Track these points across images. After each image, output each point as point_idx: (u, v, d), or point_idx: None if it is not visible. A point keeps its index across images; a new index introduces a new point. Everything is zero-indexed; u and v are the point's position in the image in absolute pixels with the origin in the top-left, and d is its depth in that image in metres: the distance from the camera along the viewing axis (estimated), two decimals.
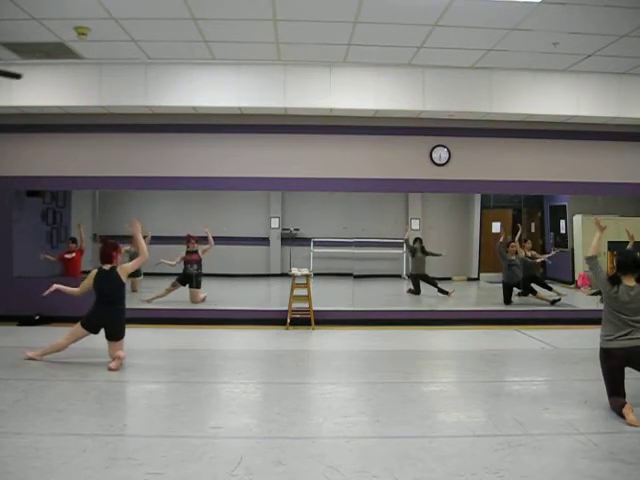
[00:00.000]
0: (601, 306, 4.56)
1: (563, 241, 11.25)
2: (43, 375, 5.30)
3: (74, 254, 8.88)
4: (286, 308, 8.03)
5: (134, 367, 5.64)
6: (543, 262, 10.80)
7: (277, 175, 8.29)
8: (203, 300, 9.27)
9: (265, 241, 11.57)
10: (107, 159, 8.20)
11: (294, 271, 8.25)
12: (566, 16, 5.68)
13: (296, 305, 8.04)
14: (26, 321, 7.87)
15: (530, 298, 9.59)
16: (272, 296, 10.75)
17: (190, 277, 9.26)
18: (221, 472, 3.29)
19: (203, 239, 9.37)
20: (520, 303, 9.54)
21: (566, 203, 11.07)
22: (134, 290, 9.34)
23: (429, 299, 9.90)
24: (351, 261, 10.15)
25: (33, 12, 5.71)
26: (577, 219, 10.72)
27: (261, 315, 8.29)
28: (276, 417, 4.26)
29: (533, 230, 11.92)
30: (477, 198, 11.42)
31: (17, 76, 5.93)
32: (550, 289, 9.74)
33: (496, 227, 11.30)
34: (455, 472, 3.31)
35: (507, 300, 9.46)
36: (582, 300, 9.84)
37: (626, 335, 4.27)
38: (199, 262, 9.34)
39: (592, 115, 7.86)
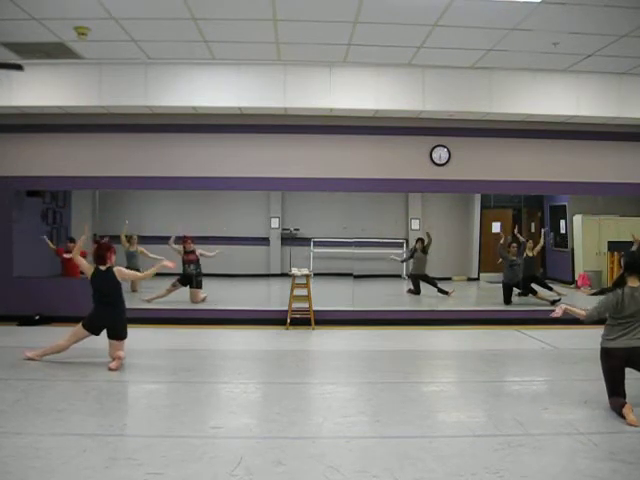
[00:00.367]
0: None
1: (563, 241, 11.25)
2: (43, 375, 5.30)
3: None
4: (286, 308, 8.03)
5: (134, 367, 5.65)
6: (543, 262, 10.79)
7: (277, 175, 8.29)
8: (203, 300, 9.27)
9: (265, 241, 11.57)
10: (107, 159, 8.20)
11: (294, 271, 8.25)
12: (566, 16, 5.67)
13: (296, 305, 8.04)
14: (26, 321, 7.87)
15: (530, 298, 9.58)
16: (272, 296, 10.74)
17: (190, 277, 9.26)
18: (221, 472, 3.29)
19: (202, 239, 9.36)
20: (520, 303, 9.54)
21: (566, 203, 11.06)
22: (134, 290, 9.33)
23: (429, 299, 9.90)
24: (351, 261, 10.14)
25: (33, 12, 5.71)
26: (577, 219, 10.71)
27: (261, 315, 8.29)
28: (276, 417, 4.26)
29: (533, 230, 11.92)
30: (477, 198, 11.42)
31: (19, 67, 5.93)
32: (550, 289, 9.74)
33: (496, 227, 11.29)
34: (455, 472, 3.31)
35: (507, 300, 9.46)
36: (582, 300, 9.82)
37: (627, 335, 4.28)
38: (197, 262, 9.34)
39: (592, 115, 7.86)
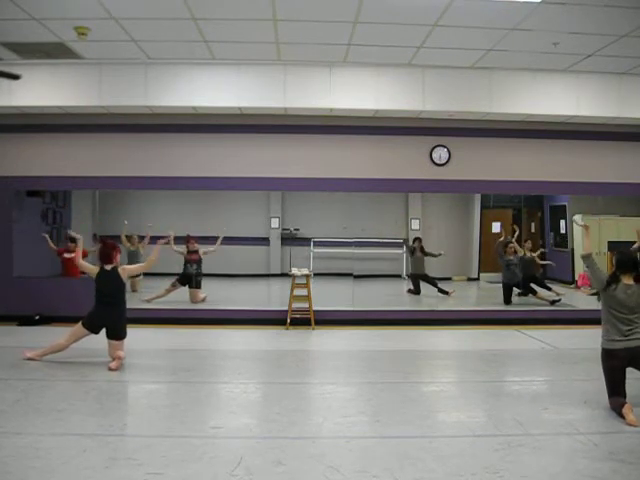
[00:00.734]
0: (601, 306, 4.56)
1: (563, 241, 11.25)
2: (43, 375, 5.30)
3: (73, 254, 8.86)
4: (286, 308, 8.03)
5: (134, 367, 5.65)
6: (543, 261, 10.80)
7: (277, 175, 8.29)
8: (203, 300, 9.27)
9: (265, 241, 11.57)
10: (107, 159, 8.20)
11: (294, 271, 8.25)
12: (566, 16, 5.68)
13: (296, 305, 8.04)
14: (26, 321, 7.87)
15: (530, 298, 9.59)
16: (272, 296, 10.74)
17: (190, 277, 9.27)
18: (221, 472, 3.29)
19: (203, 239, 9.37)
20: (520, 303, 9.54)
21: (566, 203, 11.06)
22: (134, 290, 9.34)
23: (429, 299, 9.90)
24: (351, 261, 10.14)
25: (33, 12, 5.71)
26: (577, 219, 10.70)
27: (261, 315, 8.29)
28: (276, 417, 4.26)
29: (533, 230, 11.92)
30: (477, 198, 11.42)
31: (16, 77, 5.93)
32: (549, 289, 9.74)
33: (496, 227, 11.29)
34: (455, 472, 3.31)
35: (507, 300, 9.46)
36: (582, 300, 9.84)
37: (628, 335, 4.28)
38: (199, 262, 9.35)
39: (592, 115, 7.86)
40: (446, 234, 11.24)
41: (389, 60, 7.30)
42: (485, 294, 11.10)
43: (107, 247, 5.92)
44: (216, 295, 9.45)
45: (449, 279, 11.31)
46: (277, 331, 7.78)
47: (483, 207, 11.56)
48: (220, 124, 8.19)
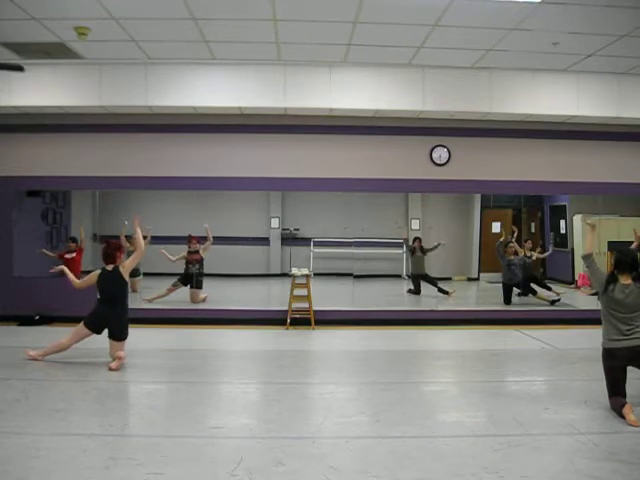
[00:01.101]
0: (600, 306, 4.57)
1: (563, 241, 11.26)
2: (43, 375, 5.31)
3: (74, 254, 8.89)
4: (286, 308, 8.03)
5: (134, 367, 5.65)
6: (543, 262, 10.79)
7: (277, 175, 8.29)
8: (203, 300, 9.28)
9: (265, 241, 11.58)
10: (107, 159, 8.20)
11: (294, 271, 8.25)
12: (566, 16, 5.67)
13: (296, 305, 8.04)
14: (26, 321, 7.87)
15: (530, 298, 9.60)
16: (272, 296, 10.74)
17: (191, 277, 9.27)
18: (221, 472, 3.29)
19: (204, 239, 9.38)
20: (520, 303, 9.55)
21: (566, 203, 11.07)
22: (134, 290, 9.32)
23: (429, 299, 9.90)
24: (351, 261, 10.15)
25: (33, 12, 5.71)
26: (577, 219, 10.72)
27: (261, 315, 8.29)
28: (276, 417, 4.26)
29: (533, 230, 11.93)
30: (477, 198, 11.43)
31: (20, 68, 5.92)
32: (550, 289, 9.75)
33: (496, 227, 11.30)
34: (455, 472, 3.31)
35: (507, 300, 9.47)
36: (582, 300, 9.85)
37: (628, 335, 4.28)
38: (201, 262, 9.35)
39: (592, 115, 7.86)
40: (446, 234, 11.24)
41: (389, 60, 7.30)
42: (485, 294, 11.11)
43: (110, 247, 5.92)
44: (216, 295, 9.45)
45: (449, 279, 11.32)
46: (277, 331, 7.78)
47: (483, 207, 11.57)
48: (220, 124, 8.19)
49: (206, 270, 9.47)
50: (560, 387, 5.17)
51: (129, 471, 3.27)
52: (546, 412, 4.38)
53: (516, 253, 9.72)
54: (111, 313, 5.68)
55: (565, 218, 11.16)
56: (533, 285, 9.71)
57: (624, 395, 4.25)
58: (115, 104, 7.60)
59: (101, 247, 6.05)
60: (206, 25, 6.12)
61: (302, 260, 10.61)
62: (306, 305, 7.98)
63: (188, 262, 9.32)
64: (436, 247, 10.20)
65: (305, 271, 8.23)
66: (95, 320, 5.69)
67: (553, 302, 9.28)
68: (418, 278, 10.25)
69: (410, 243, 10.39)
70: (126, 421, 4.26)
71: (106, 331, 5.71)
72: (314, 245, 11.17)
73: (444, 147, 8.40)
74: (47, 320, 7.92)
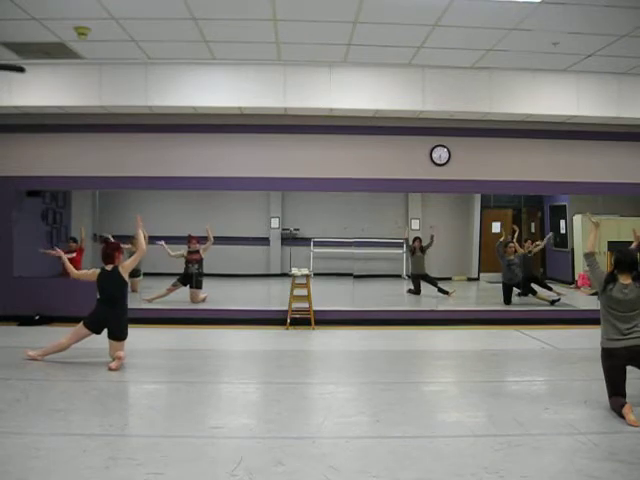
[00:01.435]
0: (599, 306, 4.57)
1: (563, 241, 11.25)
2: (43, 375, 5.31)
3: (74, 254, 8.87)
4: (286, 308, 8.03)
5: (134, 367, 5.65)
6: (543, 262, 10.78)
7: (277, 175, 8.29)
8: (203, 300, 9.27)
9: (265, 241, 11.57)
10: (107, 159, 8.20)
11: (294, 271, 8.25)
12: (566, 16, 5.67)
13: (296, 305, 8.04)
14: (26, 321, 7.87)
15: (530, 298, 9.59)
16: (272, 296, 10.74)
17: (190, 277, 9.27)
18: (221, 472, 3.29)
19: (204, 239, 9.38)
20: (520, 303, 9.55)
21: (566, 203, 11.07)
22: (134, 290, 9.31)
23: (429, 299, 9.90)
24: (351, 261, 10.15)
25: (33, 12, 5.71)
26: (577, 219, 10.72)
27: (261, 315, 8.29)
28: (276, 417, 4.26)
29: (533, 230, 11.92)
30: (477, 198, 11.42)
31: (21, 69, 5.92)
32: (550, 289, 9.74)
33: (496, 227, 11.30)
34: (455, 472, 3.31)
35: (507, 300, 9.47)
36: (582, 300, 9.85)
37: (627, 334, 4.28)
38: (200, 262, 9.35)
39: (592, 115, 7.86)
40: (446, 234, 11.23)
41: (389, 60, 7.30)
42: (485, 294, 11.10)
43: (109, 247, 5.94)
44: (216, 295, 9.45)
45: (449, 279, 11.31)
46: (277, 331, 7.78)
47: (483, 207, 11.56)
48: (220, 124, 8.19)
49: (206, 270, 9.47)
50: (560, 387, 5.18)
51: (129, 471, 3.27)
52: (546, 412, 4.38)
53: (516, 252, 9.71)
54: (110, 313, 5.69)
55: (565, 218, 11.16)
56: (533, 285, 9.71)
57: (624, 395, 4.25)
58: (115, 104, 7.60)
59: (100, 247, 6.07)
60: (206, 25, 6.12)
61: (302, 260, 10.61)
62: (306, 305, 7.98)
63: (188, 262, 9.32)
64: (431, 240, 10.14)
65: (305, 271, 8.23)
66: (94, 320, 5.69)
67: (553, 302, 9.28)
68: (418, 278, 10.25)
69: (410, 243, 10.38)
70: (126, 421, 4.26)
71: (106, 331, 5.71)
72: (314, 245, 11.16)
73: (444, 147, 8.40)
74: (47, 320, 7.92)
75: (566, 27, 6.00)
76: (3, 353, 6.14)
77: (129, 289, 6.15)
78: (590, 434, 3.89)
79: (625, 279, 4.39)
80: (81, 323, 5.72)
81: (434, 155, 8.40)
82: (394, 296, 10.75)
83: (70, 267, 6.06)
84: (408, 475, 3.28)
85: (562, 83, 7.70)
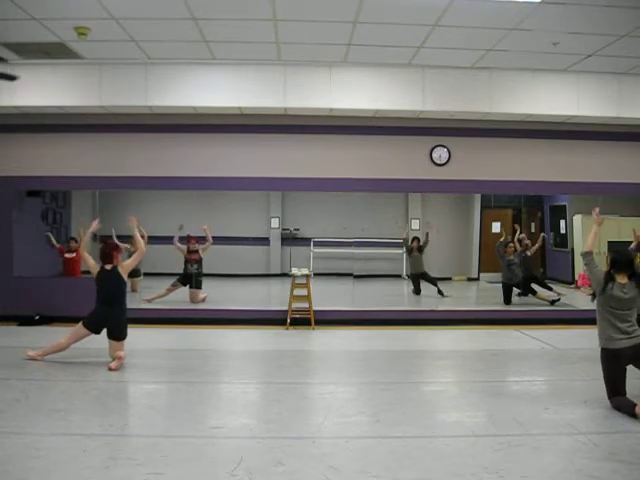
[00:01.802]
0: (596, 306, 4.57)
1: (563, 241, 11.25)
2: (43, 375, 5.31)
3: (74, 254, 8.87)
4: (286, 308, 8.03)
5: (134, 367, 5.65)
6: (543, 262, 10.77)
7: (277, 175, 8.29)
8: (203, 300, 9.28)
9: (265, 241, 11.57)
10: (107, 159, 8.20)
11: (294, 271, 8.25)
12: (566, 16, 5.67)
13: (296, 305, 8.04)
14: (26, 321, 7.87)
15: (530, 298, 9.59)
16: (272, 296, 10.75)
17: (190, 277, 9.27)
18: (221, 472, 3.29)
19: (203, 239, 9.39)
20: (520, 303, 9.55)
21: (566, 203, 11.07)
22: (134, 290, 9.32)
23: (429, 299, 9.89)
24: (351, 261, 10.15)
25: (33, 12, 5.71)
26: (577, 219, 10.72)
27: (261, 315, 8.29)
28: (276, 417, 4.26)
29: (533, 230, 11.93)
30: (477, 198, 11.42)
31: (13, 78, 5.93)
32: (550, 289, 9.74)
33: (496, 227, 11.30)
34: (455, 472, 3.31)
35: (507, 300, 9.46)
36: (582, 300, 9.83)
37: (628, 333, 4.29)
38: (199, 262, 9.36)
39: (592, 115, 7.86)
40: (446, 234, 11.24)
41: (389, 60, 7.30)
42: (485, 294, 11.10)
43: (108, 247, 5.95)
44: (216, 295, 9.45)
45: (449, 279, 11.31)
46: (277, 331, 7.78)
47: (483, 207, 11.57)
48: (220, 124, 8.19)
49: (206, 270, 9.47)
50: (560, 387, 5.18)
51: (129, 471, 3.27)
52: (546, 412, 4.39)
53: (516, 250, 9.70)
54: (110, 313, 5.69)
55: (565, 218, 11.16)
56: (533, 285, 9.70)
57: (624, 394, 4.26)
58: (115, 104, 7.60)
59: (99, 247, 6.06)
60: (206, 25, 6.12)
61: (302, 260, 10.61)
62: (306, 305, 7.98)
63: (187, 262, 9.32)
64: (427, 238, 10.13)
65: (305, 271, 8.23)
66: (94, 320, 5.69)
67: (553, 302, 9.28)
68: (417, 277, 10.24)
69: (409, 243, 10.37)
70: (126, 421, 4.26)
71: (105, 331, 5.71)
72: (314, 245, 11.16)
73: (444, 147, 8.40)
74: (47, 320, 7.92)
75: (566, 27, 6.00)
76: (3, 353, 6.14)
77: (129, 289, 6.14)
78: (590, 434, 3.89)
79: (622, 278, 4.41)
80: (80, 323, 5.72)
81: (434, 155, 8.40)
82: (394, 296, 10.75)
83: (84, 247, 6.06)
84: (408, 475, 3.28)
85: (562, 83, 7.70)
